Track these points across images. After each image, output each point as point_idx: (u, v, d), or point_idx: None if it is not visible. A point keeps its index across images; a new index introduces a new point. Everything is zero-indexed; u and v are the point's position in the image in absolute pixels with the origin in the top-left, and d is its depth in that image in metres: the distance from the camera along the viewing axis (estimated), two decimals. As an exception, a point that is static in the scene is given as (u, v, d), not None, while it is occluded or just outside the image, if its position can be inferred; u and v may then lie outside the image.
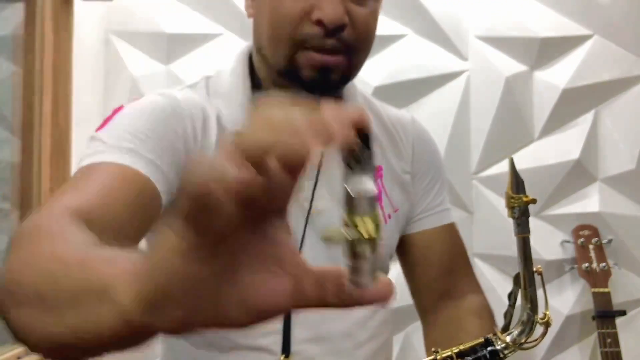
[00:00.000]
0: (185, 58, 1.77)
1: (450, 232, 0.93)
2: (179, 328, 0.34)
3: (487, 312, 0.85)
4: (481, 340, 0.66)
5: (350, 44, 0.74)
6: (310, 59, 0.73)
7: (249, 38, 1.79)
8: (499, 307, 0.87)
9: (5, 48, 1.51)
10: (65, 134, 1.57)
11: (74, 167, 1.58)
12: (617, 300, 1.61)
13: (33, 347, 0.43)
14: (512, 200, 0.65)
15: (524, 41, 1.70)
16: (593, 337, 1.66)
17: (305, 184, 0.80)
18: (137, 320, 0.34)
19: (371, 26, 0.76)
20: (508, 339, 0.65)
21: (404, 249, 0.92)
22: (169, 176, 0.70)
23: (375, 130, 0.89)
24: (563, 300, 1.70)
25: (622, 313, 1.54)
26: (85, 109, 1.69)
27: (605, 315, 1.53)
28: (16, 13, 1.53)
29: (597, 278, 1.59)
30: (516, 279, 0.67)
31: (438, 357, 0.64)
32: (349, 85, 0.84)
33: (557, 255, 1.70)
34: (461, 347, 0.65)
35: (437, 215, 0.92)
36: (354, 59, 0.76)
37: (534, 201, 0.64)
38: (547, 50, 1.70)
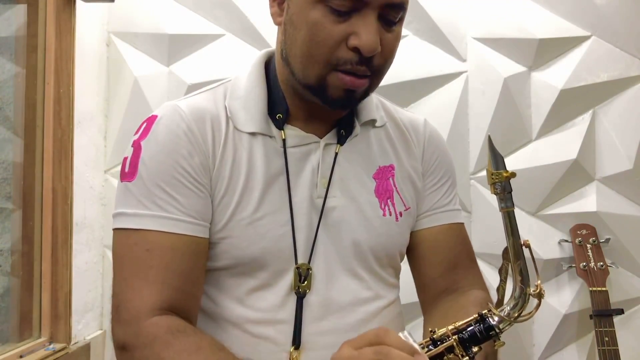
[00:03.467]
0: (186, 59, 1.78)
1: (459, 231, 0.95)
2: None
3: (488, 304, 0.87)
4: (475, 316, 0.66)
5: (377, 69, 0.77)
6: (340, 80, 0.75)
7: (250, 39, 1.79)
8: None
9: (7, 49, 1.51)
10: (67, 134, 1.58)
11: (75, 167, 1.60)
12: (615, 299, 1.62)
13: None
14: (493, 177, 0.67)
15: (522, 42, 1.71)
16: (591, 336, 1.68)
17: (319, 182, 0.83)
18: None
19: (396, 50, 0.80)
20: (502, 313, 0.66)
21: (412, 244, 0.93)
22: (205, 210, 0.78)
23: (390, 131, 0.92)
24: (561, 299, 1.71)
25: (620, 312, 1.55)
26: (87, 110, 1.70)
27: (603, 314, 1.54)
28: (19, 14, 1.54)
29: (595, 277, 1.60)
30: (505, 254, 0.68)
31: (434, 336, 0.65)
32: None
33: (555, 255, 1.71)
34: (456, 323, 0.66)
35: (446, 213, 0.94)
36: (378, 80, 0.80)
37: (513, 175, 0.66)
38: (545, 51, 1.71)
